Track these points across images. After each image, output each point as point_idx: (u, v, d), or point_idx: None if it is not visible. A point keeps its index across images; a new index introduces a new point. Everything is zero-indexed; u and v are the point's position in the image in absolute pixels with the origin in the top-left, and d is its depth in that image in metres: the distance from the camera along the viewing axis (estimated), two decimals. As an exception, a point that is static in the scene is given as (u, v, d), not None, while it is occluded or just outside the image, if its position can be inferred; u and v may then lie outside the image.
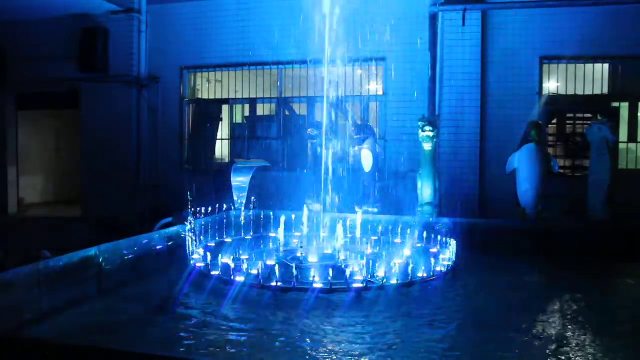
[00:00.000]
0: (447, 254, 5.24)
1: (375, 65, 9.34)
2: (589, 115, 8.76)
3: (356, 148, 8.00)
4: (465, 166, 8.71)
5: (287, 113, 10.04)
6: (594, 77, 8.72)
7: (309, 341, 3.34)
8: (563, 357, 3.12)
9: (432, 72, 8.51)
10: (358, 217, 5.96)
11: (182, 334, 3.49)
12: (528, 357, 3.20)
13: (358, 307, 4.03)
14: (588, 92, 8.71)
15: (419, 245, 5.86)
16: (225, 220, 6.11)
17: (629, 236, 5.96)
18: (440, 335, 3.50)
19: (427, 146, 7.17)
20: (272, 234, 6.05)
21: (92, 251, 4.32)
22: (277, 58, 9.67)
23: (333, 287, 4.25)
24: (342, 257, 5.12)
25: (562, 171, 8.56)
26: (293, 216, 6.08)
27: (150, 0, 10.24)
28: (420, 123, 7.20)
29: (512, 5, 8.49)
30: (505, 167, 7.56)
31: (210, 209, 6.01)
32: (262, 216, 5.96)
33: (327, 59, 7.16)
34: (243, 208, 7.24)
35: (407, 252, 5.42)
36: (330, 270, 4.31)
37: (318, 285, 4.29)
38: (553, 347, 3.29)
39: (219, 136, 10.75)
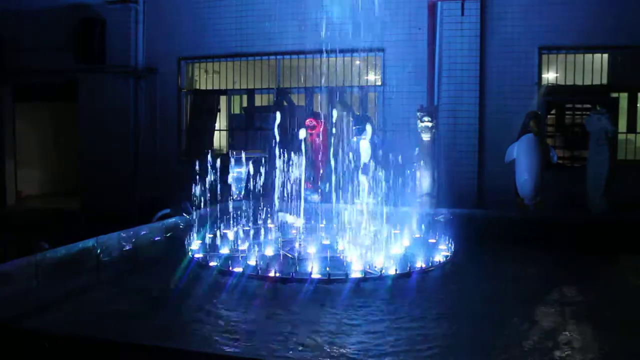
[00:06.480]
0: (446, 245, 5.25)
1: (374, 55, 9.31)
2: (588, 106, 8.74)
3: (354, 139, 7.97)
4: (463, 157, 8.70)
5: (285, 103, 10.01)
6: (593, 68, 8.69)
7: (307, 332, 3.34)
8: (566, 350, 3.13)
9: (430, 62, 8.48)
10: (357, 207, 5.95)
11: (179, 325, 3.49)
12: (528, 348, 3.21)
13: (357, 298, 4.03)
14: (587, 82, 8.69)
15: (417, 235, 5.86)
16: (222, 211, 6.10)
17: (628, 227, 5.95)
18: (440, 327, 3.51)
19: (426, 136, 7.17)
20: (270, 225, 6.04)
21: (90, 242, 4.31)
22: (275, 48, 9.65)
23: (331, 277, 4.26)
24: (340, 247, 5.12)
25: (561, 162, 8.55)
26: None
27: (147, -10, 10.18)
28: (418, 113, 7.19)
29: (511, -5, 8.45)
30: (504, 158, 7.55)
31: (208, 199, 5.99)
32: (259, 207, 5.95)
33: (325, 50, 7.14)
34: (241, 199, 7.22)
35: (405, 242, 5.43)
36: (329, 261, 4.31)
37: (317, 275, 4.29)
38: (555, 340, 3.29)
39: (217, 127, 10.72)
